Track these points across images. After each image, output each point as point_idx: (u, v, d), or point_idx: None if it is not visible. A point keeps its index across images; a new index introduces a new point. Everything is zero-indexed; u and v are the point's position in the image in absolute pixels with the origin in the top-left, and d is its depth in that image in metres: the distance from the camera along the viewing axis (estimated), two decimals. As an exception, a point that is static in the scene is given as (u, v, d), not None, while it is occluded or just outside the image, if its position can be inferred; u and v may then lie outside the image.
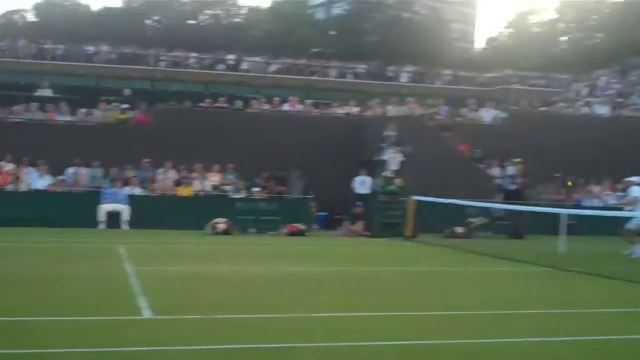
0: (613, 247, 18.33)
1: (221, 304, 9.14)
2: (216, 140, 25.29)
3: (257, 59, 55.98)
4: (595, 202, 26.62)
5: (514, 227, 23.74)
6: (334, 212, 24.79)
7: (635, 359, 6.71)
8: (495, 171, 26.35)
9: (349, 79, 54.08)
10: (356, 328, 7.69)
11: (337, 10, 78.52)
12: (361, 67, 56.81)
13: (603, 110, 31.51)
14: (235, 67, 52.89)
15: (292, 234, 21.80)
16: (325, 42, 69.54)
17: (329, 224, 24.62)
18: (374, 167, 24.27)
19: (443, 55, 68.80)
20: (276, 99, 29.34)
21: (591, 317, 8.87)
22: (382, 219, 22.96)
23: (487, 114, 29.33)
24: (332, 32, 70.39)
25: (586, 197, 26.85)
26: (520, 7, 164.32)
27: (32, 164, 23.07)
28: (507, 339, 7.31)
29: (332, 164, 25.51)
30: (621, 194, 25.42)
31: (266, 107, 28.72)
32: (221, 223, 21.33)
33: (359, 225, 22.57)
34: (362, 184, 24.16)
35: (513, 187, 25.90)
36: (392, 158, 23.82)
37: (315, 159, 25.65)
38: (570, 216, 21.39)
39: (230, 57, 54.64)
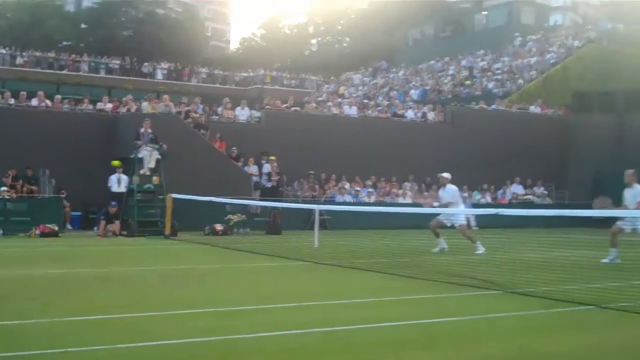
0: (365, 240, 19.14)
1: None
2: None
3: (2, 50, 52.62)
4: (347, 198, 27.86)
5: (272, 223, 24.26)
6: (89, 211, 23.91)
7: (375, 345, 6.94)
8: (252, 169, 26.72)
9: (102, 74, 52.46)
10: (100, 331, 7.38)
11: (88, 3, 75.76)
12: (114, 63, 55.28)
13: (351, 110, 32.93)
14: (-25, 58, 49.47)
15: (45, 234, 20.73)
16: (76, 36, 66.77)
17: (84, 224, 23.68)
18: (129, 165, 23.65)
19: (198, 53, 68.63)
20: (23, 93, 27.65)
21: (342, 308, 9.16)
22: (140, 217, 22.47)
23: (242, 113, 29.64)
24: (83, 26, 67.77)
25: (339, 193, 28.02)
26: (273, 9, 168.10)
27: None
28: (269, 333, 7.30)
29: (85, 162, 24.64)
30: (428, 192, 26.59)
31: (12, 101, 26.99)
32: (-37, 224, 19.94)
33: (116, 225, 21.91)
34: (118, 183, 23.54)
35: (269, 184, 26.48)
36: (148, 156, 23.31)
37: (67, 157, 24.65)
38: (324, 211, 22.23)
39: (-30, 49, 51.02)
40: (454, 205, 17.65)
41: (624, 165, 29.14)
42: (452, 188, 17.96)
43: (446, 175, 18.16)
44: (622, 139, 32.96)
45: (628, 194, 15.13)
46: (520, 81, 41.42)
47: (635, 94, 34.80)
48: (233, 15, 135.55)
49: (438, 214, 17.45)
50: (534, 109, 36.72)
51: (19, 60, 52.44)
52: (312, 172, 28.44)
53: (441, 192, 18.32)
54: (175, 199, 21.05)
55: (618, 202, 15.03)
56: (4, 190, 22.41)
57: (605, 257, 14.57)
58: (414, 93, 45.18)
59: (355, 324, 7.83)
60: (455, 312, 8.81)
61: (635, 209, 14.71)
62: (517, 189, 32.71)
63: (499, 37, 52.24)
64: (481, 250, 16.78)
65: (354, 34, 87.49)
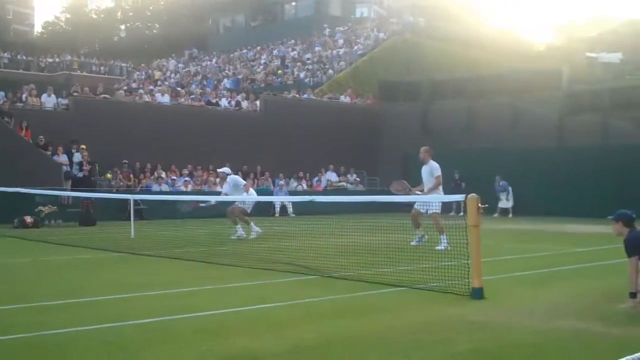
0: (183, 229, 19.03)
1: None
2: None
3: None
4: (164, 187, 27.49)
5: (84, 214, 23.53)
6: None
7: (195, 334, 6.95)
8: (62, 158, 25.77)
9: None
10: None
11: None
12: None
13: (164, 98, 32.48)
14: None
15: None
16: None
17: None
18: None
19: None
20: None
21: (161, 298, 9.12)
22: (-60, 210, 21.15)
23: (49, 100, 28.51)
24: None
25: (155, 182, 27.59)
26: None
27: None
28: (85, 327, 7.15)
29: None
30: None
31: None
32: None
33: None
34: None
35: (81, 174, 25.66)
36: (-53, 145, 21.97)
37: None
38: (139, 201, 21.82)
39: None
40: (238, 193, 18.08)
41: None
42: (232, 179, 18.43)
43: (223, 170, 18.89)
44: (427, 126, 34.65)
45: (425, 172, 15.44)
46: (330, 71, 42.49)
47: (437, 83, 36.72)
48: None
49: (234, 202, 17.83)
50: (344, 98, 37.81)
51: None
52: (126, 161, 27.82)
53: (225, 187, 18.79)
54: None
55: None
56: None
57: (413, 239, 15.32)
58: (227, 82, 45.21)
59: (173, 314, 7.81)
60: (274, 298, 8.96)
61: (433, 185, 15.21)
62: (331, 176, 33.62)
63: (308, 28, 53.33)
64: (255, 230, 17.49)
65: (164, 20, 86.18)
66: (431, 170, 15.32)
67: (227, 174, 18.63)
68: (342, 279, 10.36)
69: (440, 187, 15.31)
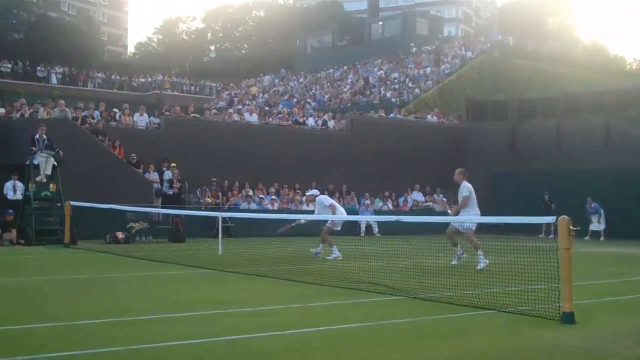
0: (269, 247, 19.16)
1: None
2: None
3: None
4: (253, 205, 27.81)
5: (174, 231, 24.00)
6: (-17, 220, 23.08)
7: (282, 353, 6.97)
8: (153, 176, 26.37)
9: (-6, 78, 50.71)
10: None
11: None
12: (6, 67, 53.51)
13: (252, 118, 32.91)
14: None
15: None
16: (-36, 38, 64.44)
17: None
18: (25, 172, 22.96)
19: (94, 57, 67.24)
20: None
21: (248, 315, 9.17)
22: (38, 226, 21.80)
23: (141, 119, 29.20)
24: (-28, 29, 65.49)
25: (243, 200, 27.96)
26: (168, 14, 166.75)
27: None
28: (175, 342, 7.24)
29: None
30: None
31: None
32: None
33: (12, 234, 21.24)
34: (14, 190, 22.84)
35: (171, 191, 26.20)
36: (44, 162, 22.71)
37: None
38: (227, 219, 22.06)
39: None
40: (327, 211, 18.14)
41: (517, 170, 30.42)
42: (319, 200, 18.55)
43: (312, 192, 19.25)
44: (515, 145, 34.13)
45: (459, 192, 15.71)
46: (417, 90, 42.31)
47: (526, 102, 36.15)
48: (130, 20, 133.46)
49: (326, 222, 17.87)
50: (431, 118, 37.58)
51: None
52: (214, 179, 28.31)
53: (316, 209, 18.83)
54: (74, 207, 20.58)
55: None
56: None
57: (453, 259, 15.33)
58: (314, 102, 45.54)
59: (261, 332, 7.85)
60: (359, 318, 8.93)
61: (459, 205, 15.54)
62: (417, 196, 33.38)
63: (394, 47, 53.32)
64: (336, 254, 17.38)
65: (252, 41, 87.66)
66: (461, 190, 15.71)
67: (316, 196, 18.79)
68: (428, 300, 10.26)
69: (471, 207, 15.31)
